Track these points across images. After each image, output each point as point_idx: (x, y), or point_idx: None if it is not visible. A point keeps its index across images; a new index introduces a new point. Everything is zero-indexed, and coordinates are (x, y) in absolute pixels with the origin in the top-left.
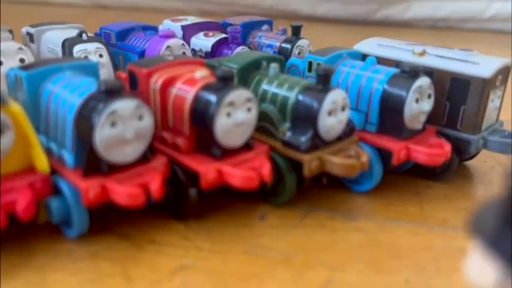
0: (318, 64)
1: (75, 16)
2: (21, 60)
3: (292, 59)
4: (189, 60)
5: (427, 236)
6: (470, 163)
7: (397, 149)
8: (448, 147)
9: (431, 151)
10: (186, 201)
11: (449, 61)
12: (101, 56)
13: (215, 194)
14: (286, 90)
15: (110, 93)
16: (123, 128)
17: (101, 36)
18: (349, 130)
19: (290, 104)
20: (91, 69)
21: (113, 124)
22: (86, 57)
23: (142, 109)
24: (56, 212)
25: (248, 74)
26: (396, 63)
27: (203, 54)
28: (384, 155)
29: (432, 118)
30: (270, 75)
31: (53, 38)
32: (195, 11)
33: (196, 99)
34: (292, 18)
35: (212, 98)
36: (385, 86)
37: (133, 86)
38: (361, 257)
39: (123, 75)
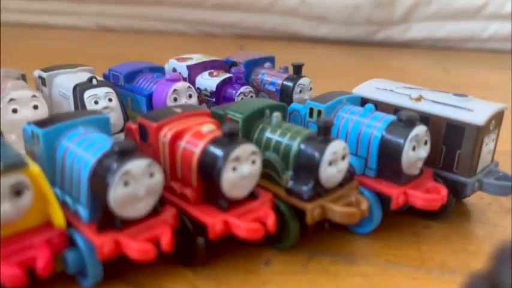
0: (319, 112)
1: (81, 39)
2: (35, 107)
3: (294, 105)
4: (195, 112)
5: (425, 280)
6: (467, 200)
7: (396, 194)
8: (444, 191)
9: (428, 197)
10: (194, 250)
11: (445, 107)
12: (110, 100)
13: (221, 240)
14: (288, 139)
15: (123, 153)
16: (135, 186)
17: (109, 77)
18: (350, 176)
19: (292, 153)
20: (103, 123)
21: (126, 183)
22: (96, 102)
23: (153, 167)
24: (71, 263)
25: (252, 123)
26: (394, 108)
27: (208, 93)
28: (383, 199)
29: (429, 161)
30: (272, 123)
31: (64, 83)
32: (199, 33)
33: (204, 153)
34: (293, 39)
35: (219, 153)
36: (383, 134)
37: (144, 138)
38: None
39: (133, 126)
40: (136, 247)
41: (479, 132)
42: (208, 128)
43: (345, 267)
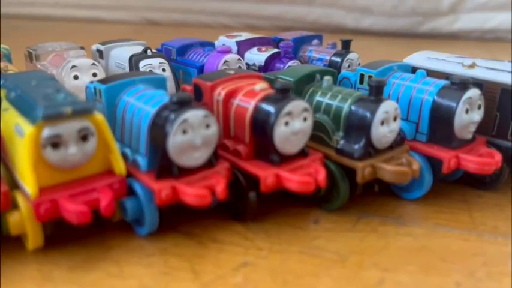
0: (369, 77)
1: (128, 33)
2: (94, 75)
3: (344, 72)
4: (247, 74)
5: (478, 242)
6: None
7: (448, 157)
8: (498, 156)
9: (481, 160)
10: (246, 204)
11: (499, 73)
12: (164, 70)
13: (271, 199)
14: (339, 101)
15: (181, 104)
16: (192, 135)
17: (162, 52)
18: (400, 139)
19: (344, 114)
20: (160, 83)
21: (184, 132)
22: (150, 71)
23: (210, 118)
24: (130, 211)
25: (303, 86)
26: (446, 76)
27: (257, 68)
28: (434, 163)
29: (482, 128)
30: (323, 87)
31: (120, 54)
32: (242, 26)
33: (257, 110)
34: (336, 32)
35: (271, 108)
36: (435, 98)
37: (199, 98)
38: (412, 260)
39: (188, 87)
40: (192, 192)
41: None
42: (261, 86)
43: (394, 227)
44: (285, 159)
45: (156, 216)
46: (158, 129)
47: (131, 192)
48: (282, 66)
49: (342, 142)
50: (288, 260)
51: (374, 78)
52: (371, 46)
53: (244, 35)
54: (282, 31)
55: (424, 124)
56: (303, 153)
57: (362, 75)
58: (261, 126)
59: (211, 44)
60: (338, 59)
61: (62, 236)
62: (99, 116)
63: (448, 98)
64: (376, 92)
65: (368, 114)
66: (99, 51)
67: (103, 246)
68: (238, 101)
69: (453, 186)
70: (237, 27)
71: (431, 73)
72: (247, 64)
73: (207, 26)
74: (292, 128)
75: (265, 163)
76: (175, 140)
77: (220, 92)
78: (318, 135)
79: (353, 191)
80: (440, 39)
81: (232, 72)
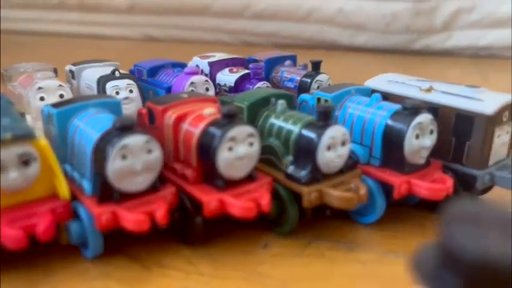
0: (325, 101)
1: (127, 49)
2: (61, 96)
3: (303, 95)
4: (201, 98)
5: None
6: (486, 197)
7: (398, 182)
8: (450, 182)
9: (432, 186)
10: (192, 228)
11: (454, 97)
12: (131, 91)
13: (223, 223)
14: (290, 125)
15: (123, 129)
16: (133, 161)
17: (134, 72)
18: (352, 164)
19: (293, 138)
20: (114, 106)
21: (124, 157)
22: (117, 92)
23: (152, 144)
24: (74, 234)
25: (258, 110)
26: (404, 99)
27: (227, 89)
28: (387, 188)
29: (439, 153)
30: (277, 111)
31: (90, 75)
32: (239, 43)
33: (203, 134)
34: (331, 48)
35: (215, 133)
36: (388, 122)
37: (152, 121)
38: None
39: (144, 110)
40: (131, 218)
41: (489, 122)
42: (210, 111)
43: (343, 253)
44: (231, 184)
45: (100, 239)
46: (99, 154)
47: (78, 215)
48: (251, 87)
49: (291, 167)
50: (228, 286)
51: (322, 105)
52: (365, 63)
53: (218, 55)
54: (278, 48)
55: (377, 148)
56: (250, 178)
57: (319, 99)
58: (206, 151)
59: (183, 65)
60: (308, 80)
61: (6, 260)
62: (43, 141)
63: (398, 123)
64: (324, 117)
65: (314, 139)
66: (72, 72)
67: (47, 269)
68: (186, 125)
69: (411, 211)
70: (234, 44)
71: (390, 96)
72: (218, 85)
73: (206, 43)
74: (236, 153)
75: (211, 188)
76: (114, 166)
77: (171, 116)
78: (270, 159)
79: (303, 214)
80: (433, 56)
81: (185, 96)
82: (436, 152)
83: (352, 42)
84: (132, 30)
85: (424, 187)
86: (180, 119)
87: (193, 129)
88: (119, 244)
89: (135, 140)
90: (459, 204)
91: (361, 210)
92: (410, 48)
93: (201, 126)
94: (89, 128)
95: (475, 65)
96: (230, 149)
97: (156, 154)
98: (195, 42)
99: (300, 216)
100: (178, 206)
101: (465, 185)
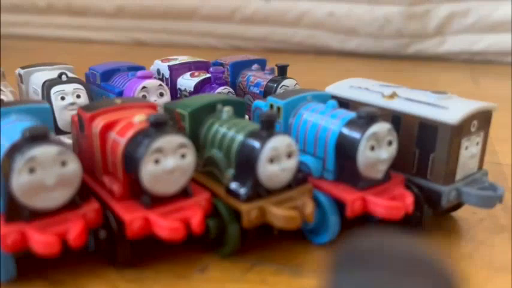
0: (278, 108)
1: (116, 53)
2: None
3: (257, 102)
4: (138, 104)
5: None
6: (457, 214)
7: (351, 200)
8: (410, 199)
9: (389, 204)
10: (117, 249)
11: (418, 105)
12: (78, 96)
13: (159, 242)
14: (232, 135)
15: (32, 139)
16: (42, 174)
17: (89, 76)
18: (302, 178)
19: (234, 148)
20: (42, 112)
21: (32, 170)
22: (62, 98)
23: (66, 155)
24: None
25: (202, 117)
26: (364, 106)
27: (187, 94)
28: (341, 205)
29: (402, 166)
30: (222, 118)
31: (37, 79)
32: (228, 47)
33: (128, 144)
34: (321, 53)
35: (140, 144)
36: (340, 132)
37: (82, 129)
38: None
39: (75, 117)
40: (40, 239)
41: (454, 132)
42: (140, 118)
43: (287, 278)
44: (160, 201)
45: (10, 261)
46: (6, 167)
47: None
48: (211, 92)
49: (232, 180)
50: None
51: (265, 113)
52: (356, 68)
53: (181, 59)
54: (268, 52)
55: (330, 161)
56: (185, 194)
57: (271, 106)
58: (131, 163)
59: (141, 69)
60: (273, 85)
61: None
62: None
63: (352, 133)
64: (268, 127)
65: (254, 151)
66: (20, 75)
67: None
68: (114, 134)
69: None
70: (223, 48)
71: (351, 103)
72: (179, 89)
73: (195, 47)
74: (163, 166)
75: (137, 205)
76: (19, 180)
77: (98, 124)
78: (212, 171)
79: (246, 234)
80: (426, 61)
81: (119, 101)
82: (399, 164)
83: (343, 47)
84: (120, 35)
85: (380, 205)
86: (107, 127)
87: (119, 139)
88: (43, 267)
89: (45, 151)
90: (353, 241)
91: (315, 229)
92: (403, 53)
93: (128, 135)
94: (2, 137)
95: (469, 71)
96: (157, 161)
97: (72, 167)
98: (184, 47)
99: (243, 236)
100: (103, 225)
101: (430, 201)
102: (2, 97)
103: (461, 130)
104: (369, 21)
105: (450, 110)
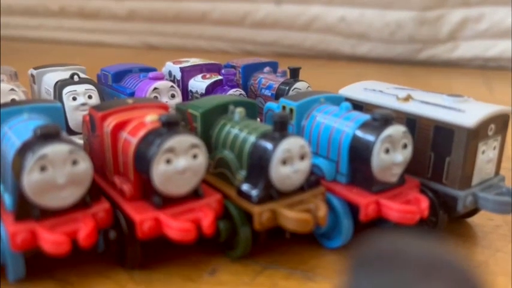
0: (291, 109)
1: (128, 56)
2: (13, 101)
3: (269, 104)
4: (150, 104)
5: None
6: (473, 220)
7: (365, 203)
8: (425, 203)
9: (403, 208)
10: (127, 250)
11: (434, 108)
12: (90, 97)
13: (169, 243)
14: (245, 135)
15: (44, 137)
16: (53, 173)
17: (101, 77)
18: (315, 180)
19: (246, 150)
20: (54, 111)
21: (43, 169)
22: (74, 98)
23: (77, 154)
24: None
25: (214, 118)
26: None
27: (199, 96)
28: (355, 209)
29: (417, 169)
30: (234, 120)
31: (49, 80)
32: (239, 51)
33: (139, 144)
34: (333, 57)
35: (152, 143)
36: (354, 134)
37: (93, 129)
38: None
39: (87, 117)
40: (49, 238)
41: (471, 136)
42: (152, 118)
43: (299, 282)
44: (171, 202)
45: (20, 261)
46: (17, 165)
47: None
48: (222, 93)
49: (244, 182)
50: None
51: (277, 113)
52: (367, 73)
53: (192, 61)
54: (279, 57)
55: (343, 163)
56: (196, 195)
57: (284, 108)
58: (142, 163)
59: (152, 70)
60: (285, 87)
61: None
62: None
63: (366, 135)
64: (280, 128)
65: (267, 152)
66: (33, 76)
67: None
68: (126, 133)
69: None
70: (234, 52)
71: (365, 106)
72: (190, 91)
73: (205, 51)
74: (175, 166)
75: (148, 205)
76: (30, 178)
77: (110, 124)
78: (224, 173)
79: (257, 236)
80: (439, 67)
81: (130, 101)
82: (414, 168)
83: (354, 52)
84: (131, 38)
85: (395, 209)
86: (119, 127)
87: (131, 138)
88: (49, 266)
89: (57, 149)
90: (372, 242)
91: (328, 233)
92: (415, 58)
93: (140, 134)
94: (14, 135)
95: (482, 77)
96: (168, 161)
97: (83, 166)
98: (195, 51)
99: (254, 239)
100: (113, 225)
101: (445, 207)
102: (14, 96)
103: (478, 134)
104: (381, 26)
105: (467, 113)
